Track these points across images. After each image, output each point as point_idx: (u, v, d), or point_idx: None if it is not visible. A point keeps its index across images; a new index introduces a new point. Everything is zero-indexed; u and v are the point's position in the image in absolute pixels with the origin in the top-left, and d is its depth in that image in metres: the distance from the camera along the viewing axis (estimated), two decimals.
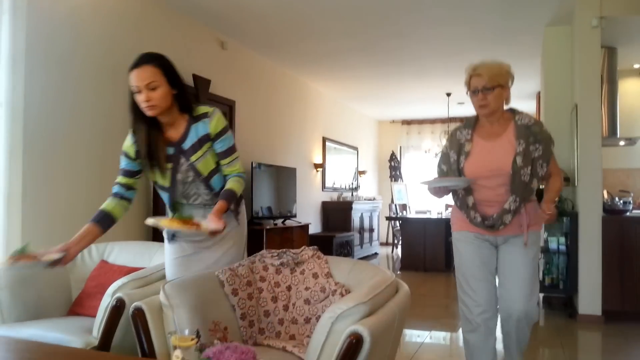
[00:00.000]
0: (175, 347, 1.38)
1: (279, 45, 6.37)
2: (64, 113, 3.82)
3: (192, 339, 1.40)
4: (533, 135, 2.52)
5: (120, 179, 2.34)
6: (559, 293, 5.21)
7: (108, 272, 2.94)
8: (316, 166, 8.74)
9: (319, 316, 2.22)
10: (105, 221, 2.23)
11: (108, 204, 2.29)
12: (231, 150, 2.35)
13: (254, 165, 6.22)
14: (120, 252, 3.14)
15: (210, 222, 2.06)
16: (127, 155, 2.33)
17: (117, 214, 2.28)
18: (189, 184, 2.33)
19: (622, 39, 5.42)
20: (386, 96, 9.49)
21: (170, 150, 2.28)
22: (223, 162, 2.33)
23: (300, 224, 7.07)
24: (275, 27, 5.69)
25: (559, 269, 5.11)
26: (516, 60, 6.82)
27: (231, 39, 5.99)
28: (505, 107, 2.64)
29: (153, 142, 2.26)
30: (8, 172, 3.34)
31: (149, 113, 2.17)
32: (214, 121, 2.26)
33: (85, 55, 4.02)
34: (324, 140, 9.10)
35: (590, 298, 4.70)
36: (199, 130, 2.26)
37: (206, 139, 2.26)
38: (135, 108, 2.27)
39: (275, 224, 6.49)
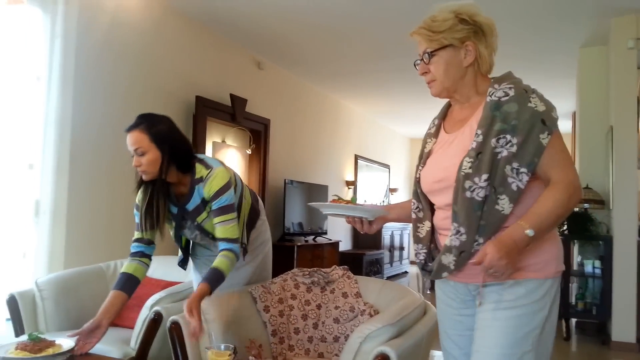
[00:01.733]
0: None
1: (313, 65, 6.50)
2: (108, 132, 4.00)
3: (229, 355, 1.48)
4: (503, 118, 1.46)
5: (137, 234, 2.25)
6: (592, 318, 5.11)
7: (146, 285, 3.05)
8: (348, 183, 8.80)
9: (348, 335, 2.28)
10: (129, 285, 2.22)
11: (128, 266, 2.24)
12: (226, 209, 2.17)
13: (286, 182, 6.33)
14: (159, 266, 3.25)
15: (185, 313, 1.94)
16: (138, 209, 2.25)
17: (139, 275, 2.24)
18: (198, 240, 2.37)
19: None
20: (418, 114, 9.51)
21: (174, 210, 2.26)
22: (216, 220, 2.17)
23: (331, 241, 7.12)
24: (309, 48, 5.83)
25: (593, 293, 5.03)
26: (552, 79, 6.80)
27: (267, 59, 6.14)
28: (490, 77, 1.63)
29: (155, 201, 2.17)
30: (54, 188, 3.51)
31: (143, 177, 2.14)
32: (207, 185, 2.16)
33: (129, 76, 4.21)
34: (356, 157, 9.17)
35: (624, 324, 4.60)
36: (200, 191, 2.20)
37: (205, 202, 2.21)
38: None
39: (306, 241, 6.57)
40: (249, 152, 5.92)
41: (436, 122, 1.72)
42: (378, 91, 7.89)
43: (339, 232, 8.21)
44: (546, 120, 1.43)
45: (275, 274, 2.69)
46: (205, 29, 5.15)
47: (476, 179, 1.43)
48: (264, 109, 6.05)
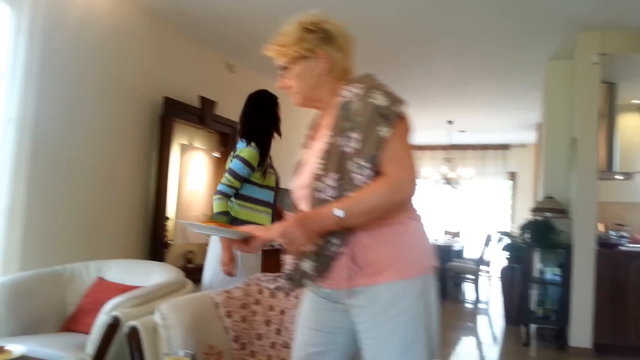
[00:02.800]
0: None
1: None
2: (71, 132, 3.90)
3: None
4: (349, 117, 1.46)
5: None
6: (551, 324, 5.22)
7: (105, 289, 2.98)
8: None
9: None
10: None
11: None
12: (229, 170, 3.00)
13: None
14: (118, 270, 3.19)
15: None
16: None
17: None
18: None
19: (622, 75, 5.52)
20: None
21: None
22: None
23: None
24: None
25: (553, 300, 5.14)
26: (519, 91, 6.95)
27: (238, 61, 6.10)
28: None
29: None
30: (12, 187, 3.40)
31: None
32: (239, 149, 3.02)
33: (95, 75, 4.12)
34: None
35: (581, 331, 4.71)
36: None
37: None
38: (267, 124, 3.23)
39: (272, 246, 6.53)
40: (217, 155, 5.86)
41: (308, 132, 1.71)
42: None
43: None
44: (387, 114, 1.41)
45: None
46: (176, 29, 5.08)
47: (326, 180, 1.43)
48: (233, 112, 5.99)
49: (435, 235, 10.03)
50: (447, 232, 10.50)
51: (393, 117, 1.42)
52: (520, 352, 4.90)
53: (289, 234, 1.34)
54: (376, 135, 1.39)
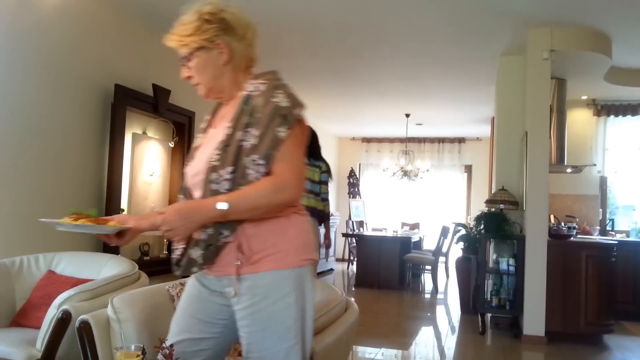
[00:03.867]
0: None
1: None
2: (19, 121, 3.73)
3: (137, 356, 1.40)
4: (250, 112, 1.48)
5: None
6: (506, 314, 5.36)
7: (55, 282, 2.87)
8: None
9: None
10: None
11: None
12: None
13: None
14: (69, 262, 3.08)
15: None
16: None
17: None
18: None
19: (571, 71, 5.69)
20: (347, 114, 9.63)
21: None
22: None
23: None
24: None
25: (507, 289, 5.27)
26: (473, 86, 7.08)
27: None
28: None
29: None
30: None
31: None
32: None
33: (44, 62, 3.94)
34: None
35: (534, 319, 4.85)
36: None
37: None
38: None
39: None
40: (171, 145, 5.74)
41: (208, 117, 1.72)
42: (309, 91, 7.89)
43: None
44: (287, 115, 1.45)
45: None
46: (128, 15, 4.92)
47: (222, 171, 1.45)
48: (188, 101, 5.88)
49: (394, 226, 10.14)
50: (405, 224, 10.65)
51: (292, 120, 1.46)
52: (476, 340, 5.02)
53: (170, 223, 1.38)
54: (274, 135, 1.43)
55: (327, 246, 5.13)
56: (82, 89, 4.36)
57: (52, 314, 2.41)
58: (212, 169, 1.46)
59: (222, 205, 1.38)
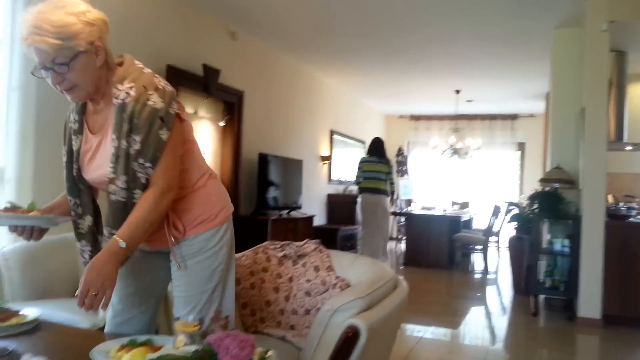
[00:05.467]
0: (179, 333, 1.43)
1: (290, 38, 6.40)
2: (69, 103, 3.87)
3: (195, 325, 1.45)
4: (128, 119, 1.51)
5: None
6: (559, 295, 5.24)
7: None
8: (323, 159, 8.78)
9: (319, 308, 2.27)
10: None
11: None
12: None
13: (261, 155, 6.27)
14: None
15: None
16: None
17: None
18: None
19: (632, 43, 5.41)
20: (395, 91, 9.50)
21: None
22: None
23: (305, 216, 7.12)
24: (286, 20, 5.72)
25: (561, 271, 5.14)
26: (527, 60, 6.84)
27: (242, 29, 6.01)
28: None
29: None
30: (20, 156, 3.39)
31: None
32: None
33: None
34: (332, 133, 9.14)
35: (590, 301, 4.72)
36: None
37: None
38: None
39: (280, 215, 6.55)
40: (222, 124, 5.84)
41: (77, 117, 1.68)
42: (357, 69, 7.83)
43: (314, 207, 8.21)
44: (164, 117, 1.52)
45: (248, 247, 2.67)
46: None
47: (118, 182, 1.53)
48: (237, 80, 5.95)
49: (443, 205, 10.02)
50: (454, 203, 10.50)
51: (171, 119, 1.54)
52: (529, 322, 4.93)
53: (95, 285, 1.41)
54: (157, 138, 1.51)
55: None
56: None
57: None
58: (110, 181, 1.54)
59: (122, 243, 1.47)
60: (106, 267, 1.44)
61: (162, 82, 1.58)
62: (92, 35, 1.50)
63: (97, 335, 1.72)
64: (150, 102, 1.51)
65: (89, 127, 1.65)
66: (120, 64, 1.61)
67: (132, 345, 1.39)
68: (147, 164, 1.51)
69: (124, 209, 1.54)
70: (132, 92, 1.52)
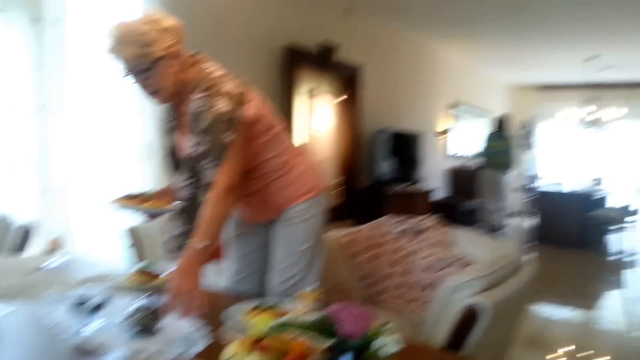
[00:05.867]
0: (300, 301, 1.50)
1: (408, 10, 6.22)
2: None
3: (315, 295, 1.51)
4: (200, 125, 1.65)
5: None
6: None
7: None
8: (442, 132, 8.54)
9: (437, 284, 2.25)
10: None
11: None
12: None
13: (379, 130, 6.24)
14: None
15: None
16: None
17: None
18: None
19: None
20: (520, 61, 8.93)
21: None
22: None
23: (423, 190, 7.01)
24: None
25: None
26: None
27: (358, 4, 5.96)
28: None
29: None
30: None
31: None
32: None
33: (212, 25, 4.16)
34: (451, 106, 8.84)
35: None
36: None
37: None
38: None
39: (399, 189, 6.50)
40: (340, 99, 5.88)
41: (172, 118, 1.85)
42: (479, 37, 7.46)
43: (433, 181, 8.04)
44: (228, 121, 1.62)
45: (366, 222, 2.69)
46: None
47: (179, 179, 1.78)
48: (355, 56, 5.93)
49: (574, 181, 9.34)
50: (588, 179, 9.72)
51: (235, 123, 1.64)
52: None
53: (185, 293, 1.50)
54: (221, 141, 1.62)
55: None
56: (252, 50, 4.57)
57: None
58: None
59: (201, 244, 1.58)
60: (192, 271, 1.56)
61: (229, 85, 1.66)
62: (167, 42, 1.62)
63: (227, 296, 1.85)
64: (214, 109, 1.61)
65: (180, 129, 1.81)
66: (194, 64, 1.72)
67: (259, 308, 1.51)
68: (212, 164, 1.63)
69: (191, 206, 1.72)
70: (203, 102, 1.63)
